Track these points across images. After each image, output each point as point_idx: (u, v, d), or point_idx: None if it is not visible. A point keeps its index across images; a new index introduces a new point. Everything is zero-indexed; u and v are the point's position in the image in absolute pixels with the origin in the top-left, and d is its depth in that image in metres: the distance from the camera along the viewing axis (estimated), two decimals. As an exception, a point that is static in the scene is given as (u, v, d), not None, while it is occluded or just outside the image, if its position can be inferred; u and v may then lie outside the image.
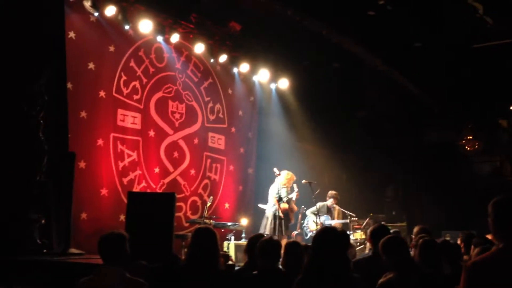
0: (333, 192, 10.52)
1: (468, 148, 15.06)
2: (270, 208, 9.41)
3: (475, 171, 15.97)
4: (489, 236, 5.93)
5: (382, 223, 11.11)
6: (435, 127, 15.83)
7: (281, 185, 9.37)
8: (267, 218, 9.33)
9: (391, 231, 4.97)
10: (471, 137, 15.04)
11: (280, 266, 4.40)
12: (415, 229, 6.07)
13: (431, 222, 11.09)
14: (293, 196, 9.64)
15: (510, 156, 15.11)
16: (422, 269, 3.71)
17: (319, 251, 3.42)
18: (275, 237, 8.76)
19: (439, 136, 15.71)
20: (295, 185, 9.75)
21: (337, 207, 10.52)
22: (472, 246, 5.53)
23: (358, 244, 9.96)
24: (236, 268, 5.63)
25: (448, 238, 9.35)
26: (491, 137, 15.27)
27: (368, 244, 7.19)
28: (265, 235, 8.78)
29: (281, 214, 9.14)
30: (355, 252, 7.63)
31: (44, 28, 7.22)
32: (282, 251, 4.41)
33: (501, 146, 15.42)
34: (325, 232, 3.55)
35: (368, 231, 5.02)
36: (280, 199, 9.22)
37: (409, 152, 14.81)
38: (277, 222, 9.14)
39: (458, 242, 6.69)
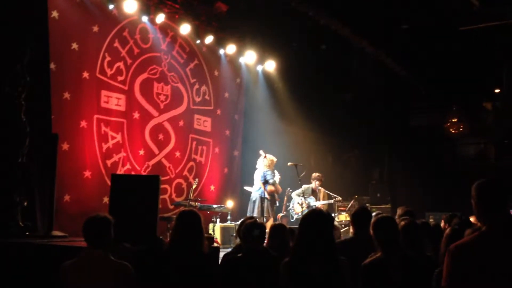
0: (317, 174, 10.55)
1: (453, 131, 15.18)
2: (255, 191, 9.46)
3: (460, 153, 16.14)
4: (472, 218, 5.99)
5: (367, 205, 11.27)
6: (421, 110, 15.93)
7: (265, 168, 9.45)
8: (254, 202, 9.39)
9: (373, 213, 4.98)
10: (456, 120, 15.15)
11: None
12: (399, 211, 6.09)
13: (416, 204, 11.20)
14: (277, 178, 9.73)
15: (494, 139, 15.26)
16: (406, 251, 3.72)
17: (307, 234, 3.42)
18: (261, 219, 8.96)
19: (425, 119, 15.82)
20: (276, 171, 9.83)
21: (322, 189, 10.56)
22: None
23: (342, 226, 10.03)
24: (223, 250, 5.63)
25: (431, 220, 9.46)
26: (476, 120, 15.40)
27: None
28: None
29: (267, 196, 9.24)
30: (339, 234, 7.68)
31: (27, 7, 7.06)
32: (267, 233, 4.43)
33: (485, 129, 15.57)
34: (312, 214, 3.55)
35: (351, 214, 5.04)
36: (266, 182, 9.30)
37: (395, 134, 14.88)
38: (264, 204, 9.26)
39: (442, 224, 6.75)
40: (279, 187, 9.74)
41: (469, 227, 4.25)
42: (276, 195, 9.68)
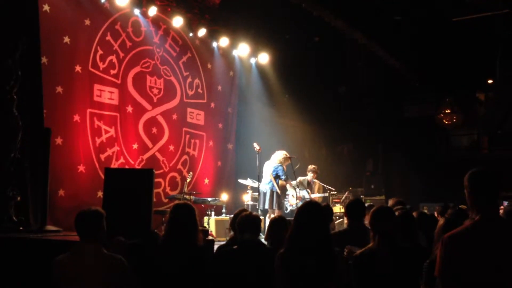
0: (313, 166, 10.57)
1: (446, 122, 15.24)
2: (265, 184, 9.42)
3: (453, 144, 16.22)
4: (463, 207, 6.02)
5: (361, 196, 11.28)
6: (414, 101, 15.97)
7: (278, 163, 9.42)
8: (265, 194, 9.37)
9: (366, 204, 5.00)
10: (449, 111, 15.20)
11: (264, 241, 4.43)
12: (390, 202, 6.13)
13: (410, 195, 11.27)
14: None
15: (487, 130, 15.33)
16: (400, 241, 3.73)
17: (301, 225, 3.43)
18: (270, 212, 9.02)
19: (418, 110, 15.87)
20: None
21: (317, 182, 10.58)
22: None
23: (337, 217, 10.06)
24: (220, 243, 5.64)
25: (425, 211, 9.50)
26: (469, 111, 15.46)
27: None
28: (261, 210, 9.08)
29: (278, 191, 9.25)
30: (334, 225, 7.71)
31: (18, 1, 7.00)
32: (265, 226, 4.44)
33: (478, 120, 15.63)
34: (307, 206, 3.56)
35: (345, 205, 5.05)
36: (277, 176, 9.30)
37: (389, 126, 14.92)
38: (274, 198, 9.30)
39: (435, 214, 6.79)
40: (290, 183, 9.78)
41: (463, 217, 4.26)
42: (286, 189, 9.71)
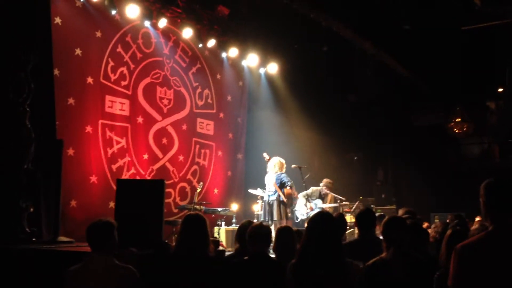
0: (328, 180, 10.47)
1: (457, 131, 15.15)
2: (271, 195, 9.32)
3: (464, 153, 16.11)
4: (477, 218, 5.98)
5: (372, 206, 11.22)
6: (424, 110, 15.90)
7: (278, 171, 9.33)
8: (270, 204, 9.23)
9: (377, 214, 4.97)
10: (459, 120, 15.12)
11: (271, 251, 4.42)
12: (400, 212, 6.11)
13: (421, 204, 11.19)
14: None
15: (498, 138, 15.22)
16: (411, 251, 3.71)
17: (313, 235, 3.42)
18: (282, 222, 8.91)
19: (428, 119, 15.80)
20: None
21: (330, 193, 10.47)
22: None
23: (348, 227, 9.99)
24: (227, 254, 5.64)
25: (436, 220, 9.45)
26: (480, 120, 15.36)
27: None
28: (268, 222, 8.99)
29: (284, 199, 9.17)
30: (345, 236, 7.67)
31: (29, 14, 7.10)
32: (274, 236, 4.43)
33: (489, 128, 15.53)
34: (319, 216, 3.55)
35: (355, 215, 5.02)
36: (282, 185, 9.20)
37: (399, 135, 14.86)
38: (281, 208, 9.21)
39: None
40: (295, 191, 9.70)
41: (467, 228, 4.24)
42: (292, 197, 9.64)
